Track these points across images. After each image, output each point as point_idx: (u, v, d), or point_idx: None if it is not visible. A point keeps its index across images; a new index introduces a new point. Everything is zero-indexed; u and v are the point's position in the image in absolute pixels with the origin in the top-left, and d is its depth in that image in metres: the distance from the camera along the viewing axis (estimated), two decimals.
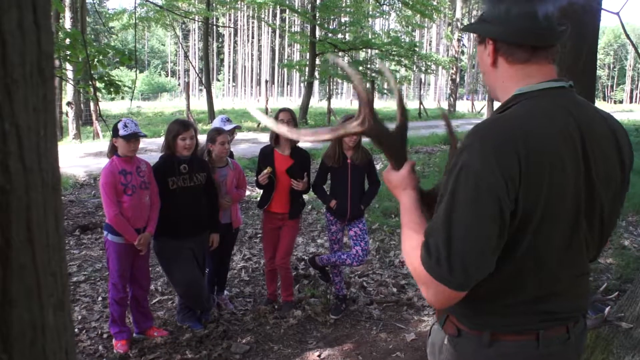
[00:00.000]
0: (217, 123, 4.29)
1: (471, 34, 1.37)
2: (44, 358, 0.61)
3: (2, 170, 0.55)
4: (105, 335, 3.78)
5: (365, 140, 4.29)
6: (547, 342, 1.25)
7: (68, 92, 15.35)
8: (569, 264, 1.25)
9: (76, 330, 3.87)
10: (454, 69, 29.34)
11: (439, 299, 1.16)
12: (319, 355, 3.56)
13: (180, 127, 3.61)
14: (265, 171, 3.91)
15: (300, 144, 4.06)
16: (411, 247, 1.24)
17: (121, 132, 3.39)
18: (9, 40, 0.55)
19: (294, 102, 43.37)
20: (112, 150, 3.51)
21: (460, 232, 1.10)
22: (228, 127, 4.21)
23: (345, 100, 51.51)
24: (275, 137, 4.06)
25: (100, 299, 4.44)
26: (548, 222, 1.16)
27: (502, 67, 1.27)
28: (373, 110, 1.32)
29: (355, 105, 40.70)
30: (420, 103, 26.29)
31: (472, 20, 1.42)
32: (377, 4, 23.46)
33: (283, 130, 1.38)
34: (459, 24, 30.10)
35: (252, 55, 73.27)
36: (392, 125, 1.37)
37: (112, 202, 3.38)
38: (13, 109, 0.55)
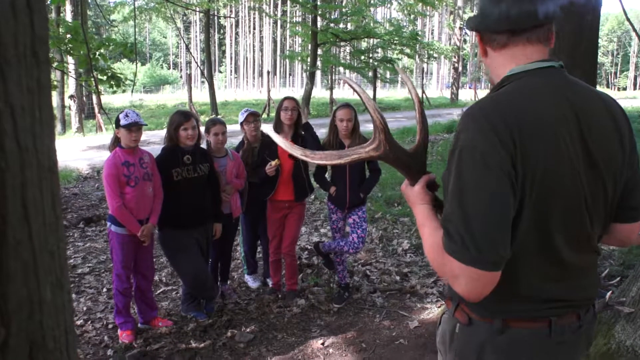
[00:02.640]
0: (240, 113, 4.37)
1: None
2: (42, 332, 0.62)
3: None
4: (110, 326, 3.82)
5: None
6: (559, 329, 1.25)
7: (70, 86, 15.38)
8: (574, 243, 1.23)
9: (81, 321, 3.91)
10: (456, 58, 29.18)
11: (475, 286, 1.13)
12: (322, 344, 3.58)
13: (182, 117, 3.63)
14: (273, 163, 3.91)
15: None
16: (432, 244, 1.24)
17: (122, 121, 3.41)
18: (1, 22, 0.56)
19: (296, 93, 43.23)
20: (115, 143, 3.54)
21: (479, 210, 1.10)
22: (242, 116, 4.27)
23: (348, 90, 51.19)
24: (277, 123, 4.07)
25: (105, 290, 4.47)
26: (546, 199, 1.15)
27: (490, 55, 1.33)
28: (388, 135, 1.35)
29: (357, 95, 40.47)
30: (423, 92, 26.23)
31: (473, 9, 1.47)
32: None
33: (297, 152, 1.43)
34: (460, 12, 29.90)
35: (253, 46, 73.02)
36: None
37: (115, 194, 3.40)
38: (7, 89, 0.56)
